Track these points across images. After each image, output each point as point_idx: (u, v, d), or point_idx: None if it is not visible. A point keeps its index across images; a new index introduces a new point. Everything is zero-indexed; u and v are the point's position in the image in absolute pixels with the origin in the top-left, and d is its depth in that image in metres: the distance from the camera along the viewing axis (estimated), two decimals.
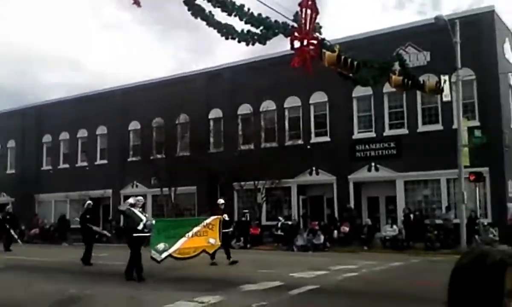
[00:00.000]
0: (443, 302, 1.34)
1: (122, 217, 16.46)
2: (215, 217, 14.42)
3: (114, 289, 10.82)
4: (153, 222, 12.70)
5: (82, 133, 36.24)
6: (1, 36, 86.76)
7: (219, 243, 14.18)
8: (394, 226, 21.98)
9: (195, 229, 13.48)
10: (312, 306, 8.92)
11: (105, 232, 22.53)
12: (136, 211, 12.42)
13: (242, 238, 23.88)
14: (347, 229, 22.90)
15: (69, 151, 37.05)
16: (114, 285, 11.54)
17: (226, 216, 15.33)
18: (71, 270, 14.61)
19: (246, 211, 26.03)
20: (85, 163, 35.88)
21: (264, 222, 26.54)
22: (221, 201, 16.35)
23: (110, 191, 33.56)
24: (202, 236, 13.53)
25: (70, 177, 35.02)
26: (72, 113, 35.36)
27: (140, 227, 12.09)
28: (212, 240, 13.72)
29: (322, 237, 21.84)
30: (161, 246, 12.47)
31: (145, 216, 12.73)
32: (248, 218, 25.44)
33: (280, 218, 25.23)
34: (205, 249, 13.62)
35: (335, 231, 23.24)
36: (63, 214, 32.43)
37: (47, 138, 38.34)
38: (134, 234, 11.97)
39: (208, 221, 14.09)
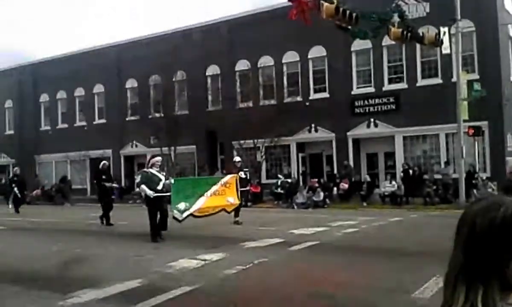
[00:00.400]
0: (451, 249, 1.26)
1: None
2: (232, 175, 14.17)
3: (118, 249, 11.01)
4: (172, 181, 12.29)
5: (79, 91, 36.00)
6: None
7: (238, 202, 13.97)
8: (393, 182, 22.12)
9: (213, 188, 13.25)
10: (312, 261, 9.10)
11: (114, 184, 22.80)
12: (154, 171, 12.14)
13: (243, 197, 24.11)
14: (346, 185, 23.10)
15: (67, 111, 36.89)
16: (118, 244, 11.75)
17: (242, 174, 14.97)
18: (76, 230, 14.82)
19: (246, 169, 26.12)
20: (83, 123, 35.79)
21: (264, 180, 26.73)
22: (237, 159, 16.14)
23: (109, 151, 33.57)
24: (220, 195, 13.34)
25: (69, 137, 35.01)
26: (68, 71, 34.84)
27: (160, 187, 11.84)
28: (230, 199, 13.54)
29: (321, 194, 22.05)
30: (181, 205, 12.28)
31: (163, 175, 12.34)
32: (248, 177, 25.56)
33: (280, 176, 25.40)
34: (224, 208, 13.44)
35: (335, 188, 23.46)
36: (64, 175, 32.65)
37: (44, 97, 38.11)
38: (154, 194, 11.68)
39: (225, 179, 13.86)
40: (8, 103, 40.30)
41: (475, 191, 19.66)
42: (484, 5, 21.95)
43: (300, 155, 27.25)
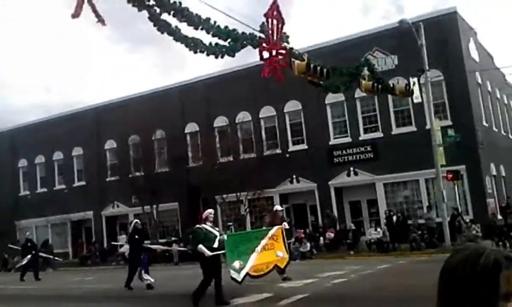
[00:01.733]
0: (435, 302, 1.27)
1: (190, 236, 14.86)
2: (277, 227, 12.87)
3: None
4: (225, 237, 11.02)
5: (58, 155, 35.84)
6: None
7: (287, 256, 12.81)
8: (378, 229, 22.20)
9: (262, 242, 12.14)
10: None
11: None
12: (208, 226, 10.74)
13: None
14: (332, 235, 23.18)
15: (46, 175, 36.57)
16: None
17: (286, 225, 13.56)
18: (57, 296, 14.47)
19: (231, 223, 26.11)
20: (63, 186, 35.46)
21: None
22: (278, 207, 14.89)
23: (91, 213, 33.23)
24: (270, 250, 12.24)
25: (49, 201, 34.52)
26: (46, 136, 34.92)
27: (216, 244, 10.44)
28: (280, 253, 12.40)
29: (308, 245, 22.05)
30: (237, 264, 11.05)
31: (217, 230, 11.18)
32: (232, 231, 25.48)
33: (264, 228, 25.30)
34: (276, 263, 12.30)
35: (321, 238, 23.50)
36: (46, 239, 31.98)
37: (22, 162, 37.81)
38: (209, 253, 10.21)
39: (271, 232, 12.62)
40: None
41: (460, 234, 19.86)
42: (451, 54, 22.93)
43: (284, 206, 27.33)
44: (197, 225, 10.89)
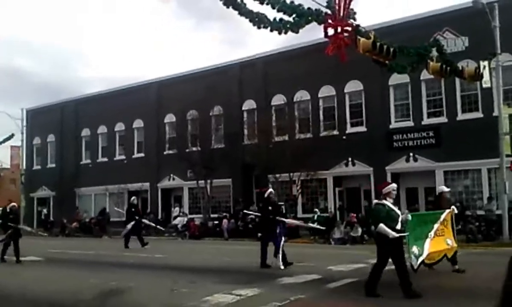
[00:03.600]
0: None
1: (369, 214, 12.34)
2: (447, 211, 11.37)
3: (153, 282, 10.99)
4: (409, 217, 9.47)
5: (119, 126, 36.91)
6: (42, 34, 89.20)
7: (456, 245, 11.39)
8: None
9: (435, 227, 10.79)
10: (351, 299, 8.81)
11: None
12: (390, 203, 9.03)
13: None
14: None
15: (107, 145, 37.83)
16: (153, 277, 11.73)
17: (455, 209, 11.90)
18: (112, 263, 14.92)
19: (282, 203, 25.95)
20: (123, 157, 36.57)
21: (300, 214, 26.44)
22: (445, 189, 12.88)
23: (147, 184, 34.14)
24: (440, 236, 10.89)
25: (109, 171, 35.81)
26: (109, 107, 36.20)
27: (399, 225, 8.95)
28: (449, 241, 11.09)
29: (360, 230, 21.57)
30: (415, 249, 9.76)
31: (399, 209, 9.53)
32: (283, 211, 25.35)
33: (316, 210, 25.05)
34: (446, 252, 11.00)
35: None
36: (103, 208, 33.18)
37: (85, 132, 39.25)
38: (395, 235, 8.61)
39: (443, 216, 11.19)
40: (51, 137, 41.67)
41: None
42: None
43: (337, 189, 26.89)
44: (377, 201, 9.39)
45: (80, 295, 9.43)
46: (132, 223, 19.94)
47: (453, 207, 11.72)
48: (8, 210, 15.92)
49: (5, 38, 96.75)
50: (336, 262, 13.19)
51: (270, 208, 13.27)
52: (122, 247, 19.26)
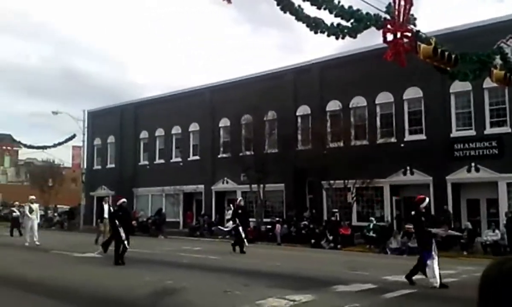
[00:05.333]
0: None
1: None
2: None
3: (207, 283, 11.09)
4: None
5: (176, 129, 37.68)
6: (102, 38, 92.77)
7: None
8: (496, 231, 20.47)
9: None
10: None
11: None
12: None
13: (332, 238, 23.50)
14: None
15: (164, 147, 38.71)
16: (207, 278, 11.84)
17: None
18: (168, 262, 15.19)
19: (336, 210, 25.61)
20: (179, 159, 37.28)
21: (354, 222, 25.93)
22: None
23: (202, 187, 34.63)
24: None
25: (165, 172, 36.61)
26: (167, 110, 37.08)
27: None
28: None
29: None
30: None
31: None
32: (338, 218, 25.01)
33: (372, 219, 24.47)
34: None
35: None
36: (160, 208, 33.93)
37: (144, 134, 40.32)
38: None
39: None
40: (111, 139, 43.09)
41: None
42: None
43: (394, 198, 26.17)
44: None
45: (136, 292, 9.66)
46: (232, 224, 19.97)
47: None
48: (116, 207, 15.81)
49: (68, 41, 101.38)
50: (392, 272, 12.84)
51: (423, 218, 11.75)
52: (177, 247, 19.61)
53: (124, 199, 15.87)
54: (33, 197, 23.36)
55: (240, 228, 18.79)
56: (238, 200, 21.26)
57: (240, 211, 19.81)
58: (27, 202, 22.82)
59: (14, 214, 28.75)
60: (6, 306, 8.89)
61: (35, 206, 22.45)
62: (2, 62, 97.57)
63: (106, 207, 21.15)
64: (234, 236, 19.75)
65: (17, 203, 29.43)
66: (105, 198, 23.63)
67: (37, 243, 20.84)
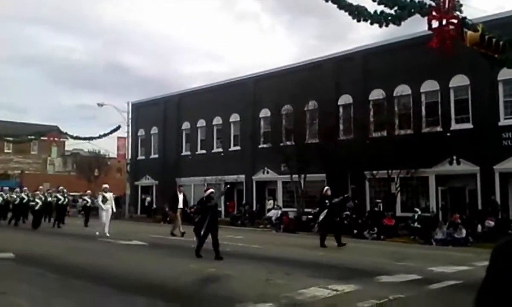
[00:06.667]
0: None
1: None
2: None
3: (250, 271, 11.17)
4: None
5: (217, 120, 38.01)
6: (145, 30, 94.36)
7: None
8: None
9: None
10: (456, 303, 8.33)
11: None
12: None
13: (375, 229, 23.16)
14: (492, 223, 21.04)
15: (205, 138, 39.14)
16: (250, 267, 11.92)
17: None
18: (210, 250, 15.36)
19: (379, 200, 25.22)
20: (220, 149, 37.62)
21: (398, 213, 25.45)
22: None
23: (243, 177, 34.86)
24: None
25: (207, 162, 37.04)
26: (208, 101, 37.44)
27: None
28: None
29: (464, 231, 20.32)
30: None
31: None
32: (381, 208, 24.62)
33: (417, 209, 23.91)
34: None
35: (479, 225, 21.50)
36: (202, 197, 34.31)
37: (186, 125, 40.88)
38: None
39: None
40: (154, 130, 43.95)
41: None
42: None
43: (440, 188, 25.50)
44: None
45: (180, 280, 9.84)
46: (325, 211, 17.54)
47: None
48: (204, 198, 14.60)
49: (113, 34, 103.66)
50: (437, 263, 12.58)
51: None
52: (220, 235, 19.76)
53: (212, 189, 15.18)
54: (107, 185, 21.78)
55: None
56: (324, 189, 18.21)
57: (327, 202, 17.56)
58: (101, 191, 21.26)
59: (85, 203, 28.53)
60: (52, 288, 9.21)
61: (108, 195, 20.78)
62: (50, 55, 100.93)
63: (181, 197, 20.50)
64: (322, 229, 17.61)
65: (56, 188, 28.98)
66: (179, 187, 22.68)
67: (107, 234, 19.54)
